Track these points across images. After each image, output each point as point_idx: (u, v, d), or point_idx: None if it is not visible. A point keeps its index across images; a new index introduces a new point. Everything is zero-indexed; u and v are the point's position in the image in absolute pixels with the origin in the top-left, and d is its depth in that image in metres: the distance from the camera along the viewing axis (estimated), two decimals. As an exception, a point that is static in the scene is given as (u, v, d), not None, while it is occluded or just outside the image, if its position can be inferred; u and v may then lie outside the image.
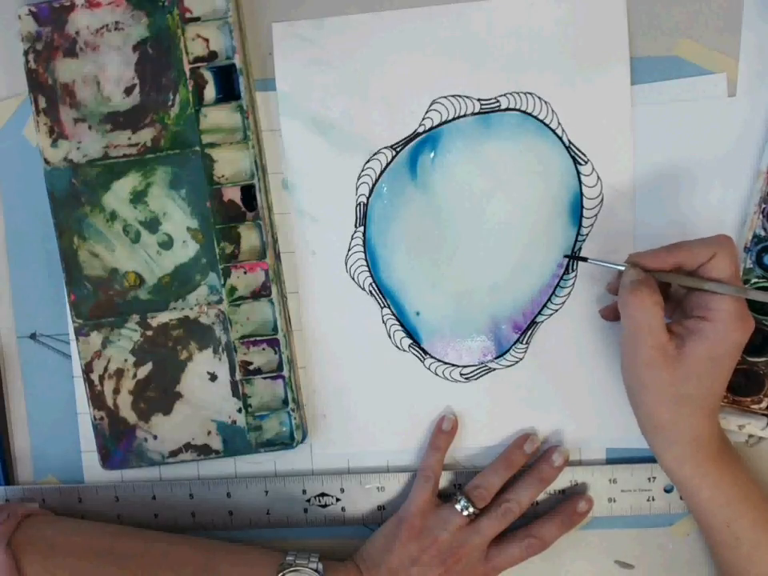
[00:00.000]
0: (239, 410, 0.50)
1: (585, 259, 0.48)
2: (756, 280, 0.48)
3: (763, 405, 0.49)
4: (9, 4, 0.50)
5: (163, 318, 0.50)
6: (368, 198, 0.51)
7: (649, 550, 0.52)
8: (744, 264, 0.48)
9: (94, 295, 0.50)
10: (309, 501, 0.52)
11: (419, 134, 0.50)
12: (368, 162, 0.50)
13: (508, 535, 0.49)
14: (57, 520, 0.50)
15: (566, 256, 0.50)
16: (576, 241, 0.50)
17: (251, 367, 0.50)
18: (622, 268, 0.45)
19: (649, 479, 0.51)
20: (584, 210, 0.50)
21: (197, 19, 0.48)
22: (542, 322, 0.51)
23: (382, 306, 0.51)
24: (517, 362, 0.51)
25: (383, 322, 0.51)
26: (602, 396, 0.51)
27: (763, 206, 0.47)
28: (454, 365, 0.51)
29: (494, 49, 0.49)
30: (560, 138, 0.49)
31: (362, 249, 0.51)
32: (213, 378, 0.50)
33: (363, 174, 0.51)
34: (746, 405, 0.49)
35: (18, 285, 0.53)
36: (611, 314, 0.49)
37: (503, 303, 0.51)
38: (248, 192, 0.49)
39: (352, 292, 0.51)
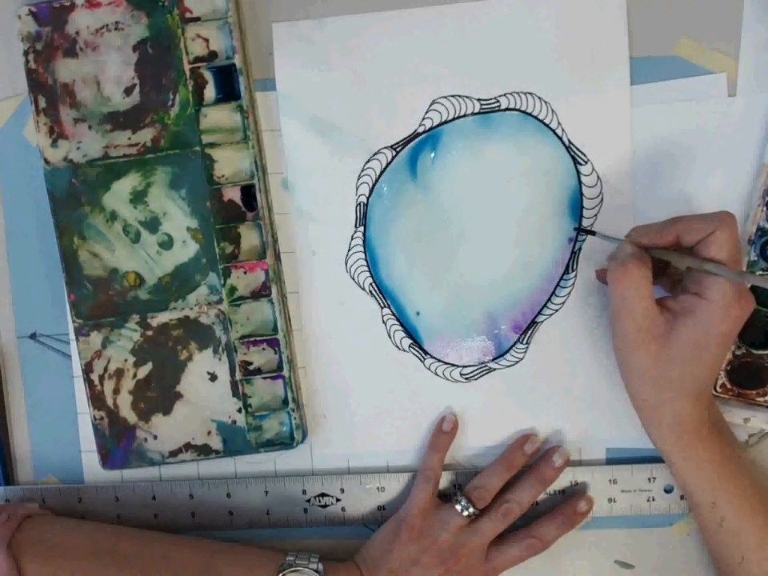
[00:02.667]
0: (239, 410, 0.50)
1: (593, 233, 0.48)
2: (761, 272, 0.48)
3: None
4: (9, 4, 0.50)
5: (163, 317, 0.50)
6: (368, 198, 0.51)
7: (649, 550, 0.52)
8: (748, 257, 0.48)
9: (93, 295, 0.50)
10: (309, 501, 0.52)
11: (419, 134, 0.50)
12: (368, 162, 0.50)
13: (508, 536, 0.49)
14: (57, 521, 0.50)
15: (575, 229, 0.50)
16: (576, 241, 0.50)
17: (251, 367, 0.50)
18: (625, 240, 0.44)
19: (649, 479, 0.51)
20: (584, 210, 0.50)
21: (197, 19, 0.48)
22: (542, 321, 0.51)
23: (382, 306, 0.51)
24: (517, 362, 0.51)
25: (383, 322, 0.51)
26: (602, 396, 0.51)
27: (767, 198, 0.47)
28: (453, 365, 0.51)
29: (494, 49, 0.49)
30: (560, 138, 0.50)
31: (362, 249, 0.51)
32: (213, 377, 0.50)
33: (363, 174, 0.51)
34: (750, 398, 0.49)
35: (18, 285, 0.53)
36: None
37: (503, 303, 0.51)
38: (248, 192, 0.49)
39: (352, 292, 0.51)
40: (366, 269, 0.51)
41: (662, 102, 0.49)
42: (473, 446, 0.52)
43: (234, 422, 0.51)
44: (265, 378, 0.50)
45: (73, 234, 0.50)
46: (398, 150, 0.50)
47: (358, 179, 0.51)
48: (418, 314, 0.51)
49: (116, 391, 0.51)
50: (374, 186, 0.51)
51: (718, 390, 0.49)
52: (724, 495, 0.44)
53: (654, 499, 0.51)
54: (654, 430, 0.45)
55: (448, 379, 0.52)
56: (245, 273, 0.50)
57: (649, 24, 0.49)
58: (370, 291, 0.51)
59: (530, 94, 0.49)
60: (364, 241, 0.51)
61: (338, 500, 0.52)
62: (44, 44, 0.49)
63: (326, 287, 0.51)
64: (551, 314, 0.51)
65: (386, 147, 0.50)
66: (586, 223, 0.50)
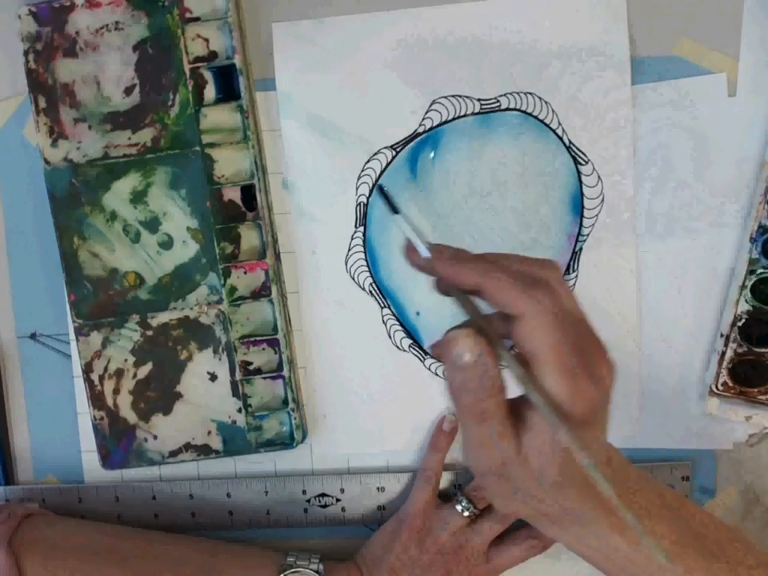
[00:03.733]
0: (239, 410, 0.50)
1: (397, 211, 0.37)
2: (762, 270, 0.48)
3: (769, 397, 0.49)
4: (9, 4, 0.50)
5: (163, 317, 0.50)
6: (368, 198, 0.51)
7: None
8: (750, 254, 0.48)
9: (93, 295, 0.50)
10: (309, 501, 0.52)
11: (419, 134, 0.50)
12: (368, 162, 0.50)
13: (508, 536, 0.49)
14: (57, 520, 0.50)
15: (379, 186, 0.46)
16: (576, 241, 0.50)
17: (251, 367, 0.50)
18: (427, 254, 0.35)
19: (649, 479, 0.51)
20: (584, 210, 0.50)
21: (197, 19, 0.48)
22: (542, 322, 0.51)
23: (382, 306, 0.51)
24: (517, 362, 0.51)
25: (383, 322, 0.51)
26: (602, 396, 0.51)
27: (767, 196, 0.47)
28: (454, 365, 0.51)
29: (494, 49, 0.49)
30: (560, 138, 0.50)
31: (362, 249, 0.51)
32: (213, 378, 0.50)
33: (363, 174, 0.51)
34: (752, 395, 0.49)
35: (18, 285, 0.53)
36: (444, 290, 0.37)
37: (503, 303, 0.51)
38: (248, 192, 0.49)
39: (352, 292, 0.51)
40: (366, 269, 0.51)
41: (662, 101, 0.49)
42: (473, 446, 0.52)
43: (234, 422, 0.51)
44: (265, 377, 0.50)
45: (73, 234, 0.50)
46: (397, 150, 0.50)
47: (358, 179, 0.51)
48: (417, 314, 0.51)
49: (116, 391, 0.51)
50: (373, 185, 0.51)
51: (720, 387, 0.49)
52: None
53: (654, 499, 0.51)
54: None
55: (448, 379, 0.52)
56: (245, 273, 0.50)
57: (649, 24, 0.49)
58: (370, 291, 0.51)
59: (530, 93, 0.49)
60: (364, 241, 0.51)
61: (338, 500, 0.52)
62: (44, 44, 0.49)
63: (326, 287, 0.51)
64: (551, 314, 0.51)
65: (385, 147, 0.50)
66: (587, 224, 0.50)
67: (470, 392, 0.33)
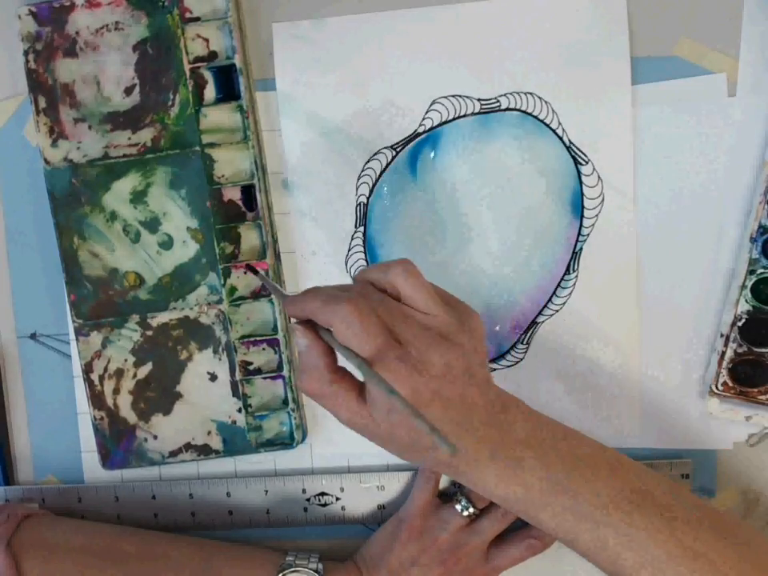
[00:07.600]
0: (239, 410, 0.50)
1: (256, 271, 0.47)
2: (762, 270, 0.48)
3: (770, 396, 0.49)
4: (9, 4, 0.50)
5: (163, 318, 0.50)
6: (368, 198, 0.51)
7: (649, 550, 0.52)
8: (750, 254, 0.48)
9: (93, 295, 0.50)
10: (309, 500, 0.52)
11: (419, 134, 0.50)
12: (368, 162, 0.50)
13: (508, 536, 0.49)
14: (56, 521, 0.50)
15: (247, 264, 0.48)
16: (576, 241, 0.50)
17: (251, 367, 0.50)
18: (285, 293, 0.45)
19: (649, 479, 0.51)
20: (584, 210, 0.50)
21: (197, 19, 0.48)
22: (543, 322, 0.51)
23: (382, 305, 0.51)
24: (517, 362, 0.51)
25: (383, 321, 0.51)
26: (601, 396, 0.51)
27: (767, 196, 0.47)
28: (454, 365, 0.51)
29: (493, 49, 0.49)
30: (560, 138, 0.50)
31: (362, 249, 0.51)
32: (213, 377, 0.51)
33: (363, 174, 0.51)
34: (752, 396, 0.49)
35: (18, 285, 0.53)
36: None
37: (503, 303, 0.51)
38: (248, 192, 0.49)
39: (352, 292, 0.51)
40: (366, 269, 0.51)
41: (662, 101, 0.49)
42: (473, 445, 0.52)
43: (234, 422, 0.51)
44: (265, 378, 0.50)
45: (73, 234, 0.50)
46: (397, 150, 0.50)
47: (358, 179, 0.51)
48: (418, 313, 0.51)
49: (116, 391, 0.51)
50: (374, 185, 0.51)
51: (720, 387, 0.49)
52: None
53: (653, 499, 0.51)
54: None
55: (448, 379, 0.51)
56: (245, 273, 0.50)
57: (649, 24, 0.49)
58: (370, 291, 0.51)
59: (530, 93, 0.49)
60: (364, 241, 0.51)
61: (337, 499, 0.52)
62: (44, 44, 0.49)
63: (326, 287, 0.51)
64: (552, 314, 0.51)
65: (385, 147, 0.50)
66: (587, 224, 0.50)
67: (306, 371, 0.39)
